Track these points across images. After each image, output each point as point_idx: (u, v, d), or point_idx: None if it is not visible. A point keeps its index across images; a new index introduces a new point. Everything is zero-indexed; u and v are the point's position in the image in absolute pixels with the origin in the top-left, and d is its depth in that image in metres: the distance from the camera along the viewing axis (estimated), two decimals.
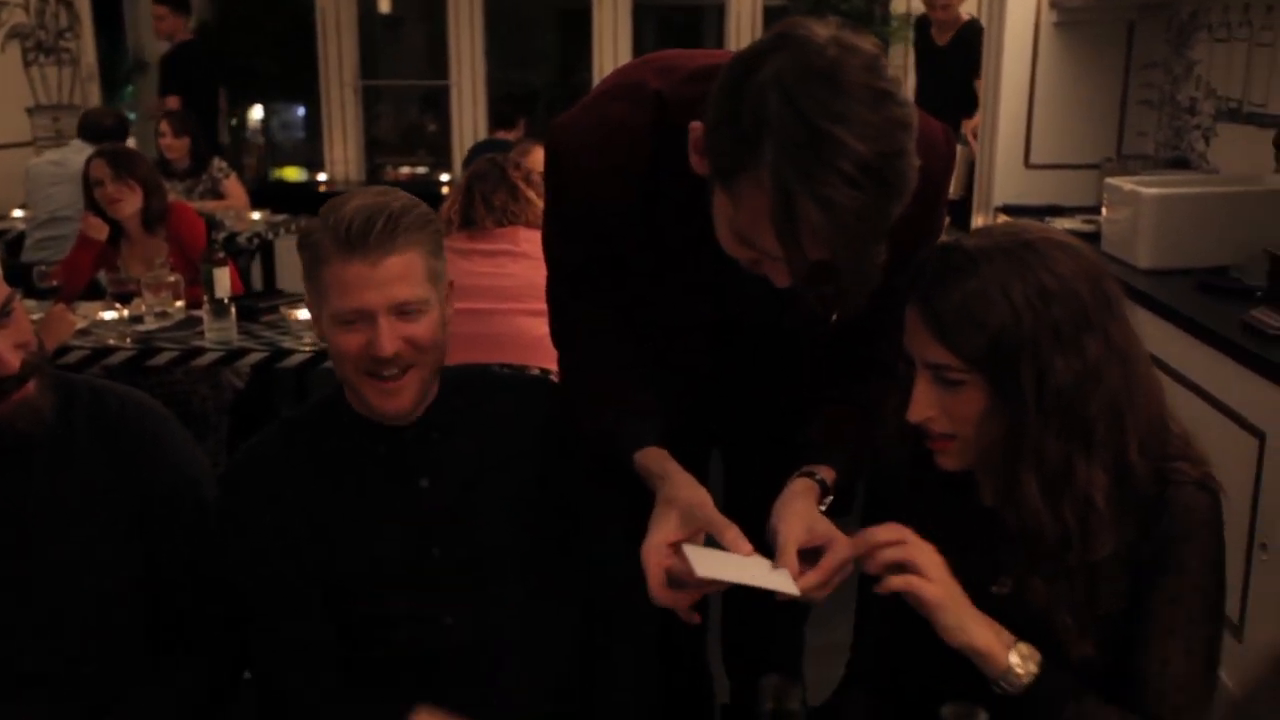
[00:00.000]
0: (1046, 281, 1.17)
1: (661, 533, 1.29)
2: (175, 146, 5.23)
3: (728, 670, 1.94)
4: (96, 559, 1.43)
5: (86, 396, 1.48)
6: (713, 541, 1.31)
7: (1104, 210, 3.36)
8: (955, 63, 5.04)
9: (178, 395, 3.57)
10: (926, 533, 1.35)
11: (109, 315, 3.36)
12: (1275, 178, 3.16)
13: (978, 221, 4.41)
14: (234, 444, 3.67)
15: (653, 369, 1.51)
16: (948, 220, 2.21)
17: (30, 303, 3.30)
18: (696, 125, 1.21)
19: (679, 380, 1.57)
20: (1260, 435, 2.25)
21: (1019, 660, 1.18)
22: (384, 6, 8.12)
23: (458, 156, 7.42)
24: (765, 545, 1.31)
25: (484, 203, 2.86)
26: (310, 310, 1.47)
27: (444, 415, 1.50)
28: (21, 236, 4.94)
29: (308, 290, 1.45)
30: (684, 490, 1.33)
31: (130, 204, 3.68)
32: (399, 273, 1.38)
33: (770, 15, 7.10)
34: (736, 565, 1.26)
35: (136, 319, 3.32)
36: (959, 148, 3.32)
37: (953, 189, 4.35)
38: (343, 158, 7.68)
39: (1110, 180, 3.33)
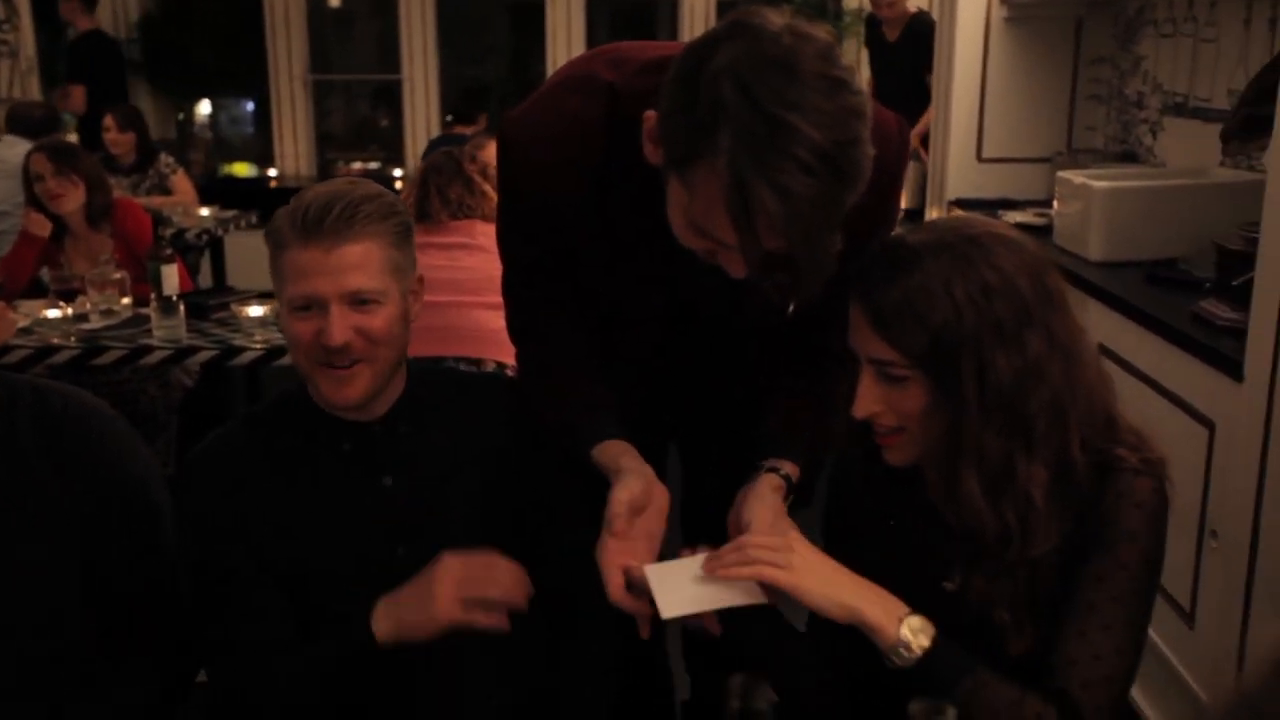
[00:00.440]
0: (989, 277, 1.16)
1: (614, 536, 1.30)
2: (120, 141, 5.15)
3: (688, 667, 1.93)
4: (41, 562, 1.39)
5: (29, 396, 1.43)
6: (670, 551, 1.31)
7: (1055, 204, 3.39)
8: (906, 58, 5.07)
9: (125, 395, 3.52)
10: (881, 528, 1.34)
11: (52, 313, 3.29)
12: (1221, 171, 3.22)
13: (931, 215, 4.44)
14: (184, 443, 3.62)
15: (609, 361, 1.50)
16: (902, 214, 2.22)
17: None
18: (651, 114, 1.20)
19: (634, 372, 1.56)
20: (1210, 425, 2.28)
21: (909, 634, 1.16)
22: (334, 1, 8.04)
23: (410, 151, 7.36)
24: (723, 536, 1.30)
25: (440, 196, 2.84)
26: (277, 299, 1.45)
27: (411, 411, 1.48)
28: None
29: (272, 278, 1.42)
30: (625, 491, 1.33)
31: (72, 199, 3.61)
32: (355, 261, 1.36)
33: (723, 8, 7.12)
34: (698, 590, 1.24)
35: (81, 317, 3.26)
36: (910, 163, 3.34)
37: (905, 200, 4.39)
38: (293, 153, 7.59)
39: (1061, 174, 3.36)
